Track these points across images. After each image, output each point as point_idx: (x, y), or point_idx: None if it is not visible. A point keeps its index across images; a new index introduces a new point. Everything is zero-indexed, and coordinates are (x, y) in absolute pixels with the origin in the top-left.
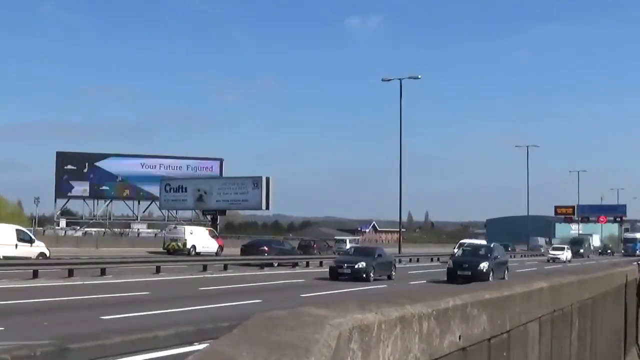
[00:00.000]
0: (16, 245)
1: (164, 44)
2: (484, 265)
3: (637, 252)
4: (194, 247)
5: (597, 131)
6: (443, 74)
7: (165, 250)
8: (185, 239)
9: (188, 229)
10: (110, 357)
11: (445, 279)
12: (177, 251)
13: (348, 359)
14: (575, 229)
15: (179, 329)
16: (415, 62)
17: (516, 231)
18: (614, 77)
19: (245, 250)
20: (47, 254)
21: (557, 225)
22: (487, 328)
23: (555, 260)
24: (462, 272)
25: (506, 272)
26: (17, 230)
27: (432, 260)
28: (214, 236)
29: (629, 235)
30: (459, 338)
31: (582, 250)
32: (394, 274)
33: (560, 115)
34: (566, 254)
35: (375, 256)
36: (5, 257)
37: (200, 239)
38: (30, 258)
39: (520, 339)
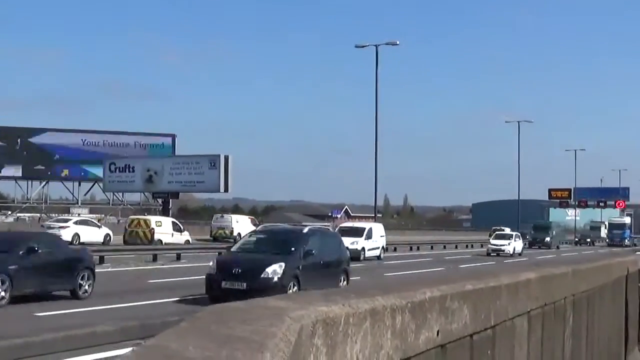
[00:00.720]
0: (172, 234)
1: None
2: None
3: (626, 241)
4: (239, 234)
5: (598, 107)
6: (426, 41)
7: (212, 238)
8: (232, 227)
9: (234, 217)
10: (38, 356)
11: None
12: (225, 239)
13: (311, 356)
14: (571, 215)
15: (121, 324)
16: (394, 28)
17: (505, 217)
18: (614, 46)
19: None
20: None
21: (552, 210)
22: (469, 323)
23: (498, 253)
24: None
25: None
26: (172, 222)
27: (411, 249)
28: (255, 224)
29: (615, 220)
30: (437, 334)
31: (548, 239)
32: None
33: (558, 89)
34: (514, 245)
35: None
36: (166, 244)
37: (244, 227)
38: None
39: (507, 335)
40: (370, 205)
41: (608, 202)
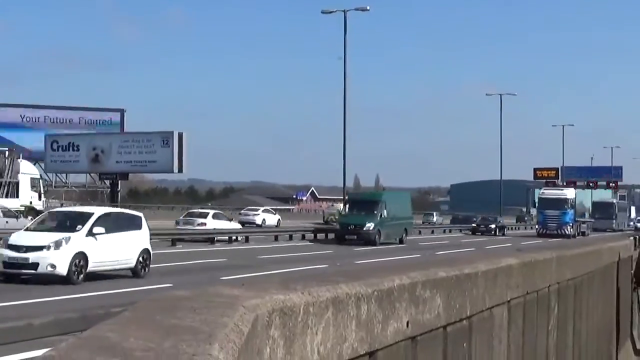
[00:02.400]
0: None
1: None
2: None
3: (568, 227)
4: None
5: (588, 79)
6: (399, 6)
7: (324, 222)
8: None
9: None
10: None
11: None
12: (333, 222)
13: (267, 348)
14: None
15: (59, 316)
16: None
17: (486, 199)
18: (607, 14)
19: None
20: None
21: (537, 191)
22: (443, 313)
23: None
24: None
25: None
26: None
27: None
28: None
29: (548, 194)
30: (407, 325)
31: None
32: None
33: (544, 60)
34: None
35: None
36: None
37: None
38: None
39: (484, 326)
40: (339, 186)
41: (599, 183)
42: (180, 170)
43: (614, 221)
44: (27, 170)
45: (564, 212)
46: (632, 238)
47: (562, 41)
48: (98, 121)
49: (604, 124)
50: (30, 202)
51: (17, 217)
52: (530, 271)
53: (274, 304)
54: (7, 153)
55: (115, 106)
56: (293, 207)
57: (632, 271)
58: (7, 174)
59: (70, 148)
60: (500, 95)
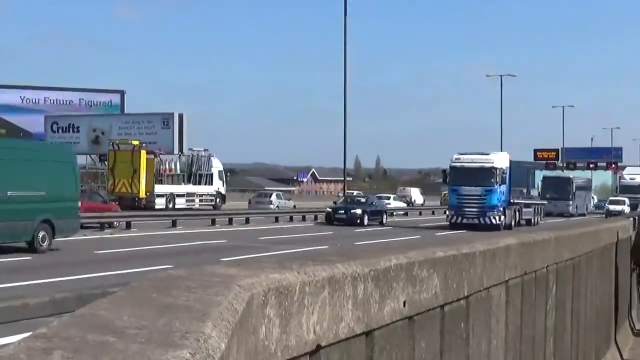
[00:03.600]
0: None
1: None
2: None
3: (495, 215)
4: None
5: (588, 60)
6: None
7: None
8: (412, 196)
9: (414, 190)
10: None
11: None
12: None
13: (263, 327)
14: None
15: (54, 295)
16: None
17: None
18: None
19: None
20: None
21: (538, 173)
22: (440, 293)
23: None
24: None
25: None
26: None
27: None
28: (422, 193)
29: (464, 160)
30: (404, 304)
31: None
32: None
33: (544, 41)
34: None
35: None
36: None
37: (417, 196)
38: None
39: (482, 306)
40: (340, 168)
41: (599, 164)
42: (180, 151)
43: (571, 203)
44: (217, 165)
45: (489, 190)
46: (631, 219)
47: (563, 22)
48: (98, 102)
49: (605, 105)
50: (218, 189)
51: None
52: (529, 251)
53: (269, 283)
54: (202, 152)
55: (116, 87)
56: (294, 188)
57: (631, 251)
58: (206, 168)
59: (70, 129)
60: (501, 76)
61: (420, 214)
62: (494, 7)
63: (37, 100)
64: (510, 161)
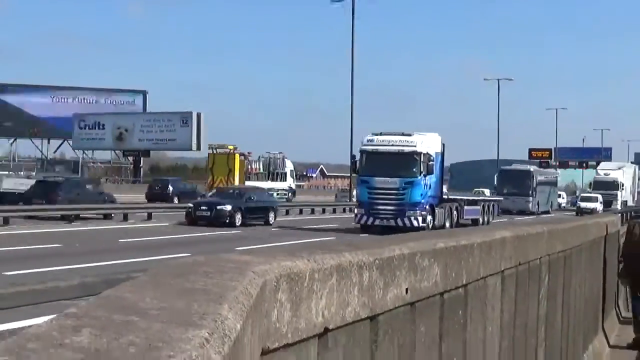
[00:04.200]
0: None
1: None
2: None
3: (417, 216)
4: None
5: (581, 65)
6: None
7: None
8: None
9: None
10: (12, 307)
11: None
12: None
13: (275, 311)
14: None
15: (83, 279)
16: None
17: (485, 177)
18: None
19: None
20: None
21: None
22: (440, 281)
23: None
24: None
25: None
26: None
27: None
28: None
29: (379, 142)
30: (406, 291)
31: None
32: None
33: (540, 45)
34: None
35: None
36: None
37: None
38: None
39: (479, 294)
40: (347, 164)
41: (590, 163)
42: (198, 148)
43: (531, 199)
44: (289, 165)
45: (410, 181)
46: (619, 214)
47: (555, 29)
48: (122, 102)
49: (597, 107)
50: (290, 185)
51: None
52: (523, 243)
53: (281, 270)
54: (277, 154)
55: (138, 87)
56: (303, 183)
57: (619, 244)
58: (281, 167)
59: (96, 127)
60: (498, 80)
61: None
62: (492, 8)
63: (65, 99)
64: (444, 145)
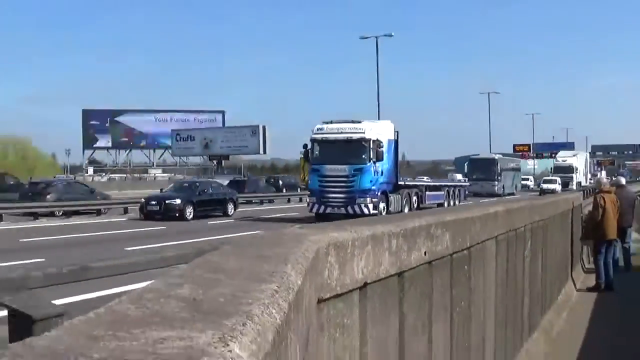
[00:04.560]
0: None
1: None
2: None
3: (368, 203)
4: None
5: (556, 75)
6: (418, 33)
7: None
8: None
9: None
10: (125, 273)
11: None
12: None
13: (326, 270)
14: (531, 164)
15: (181, 251)
16: (389, 21)
17: None
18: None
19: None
20: None
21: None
22: (450, 245)
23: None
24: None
25: None
26: None
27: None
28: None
29: (329, 130)
30: (425, 254)
31: None
32: None
33: (523, 62)
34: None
35: None
36: None
37: None
38: None
39: (479, 254)
40: None
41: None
42: (264, 152)
43: (497, 183)
44: None
45: (359, 168)
46: (581, 192)
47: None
48: (207, 119)
49: (563, 110)
50: None
51: None
52: (511, 215)
53: (330, 239)
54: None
55: (218, 109)
56: None
57: (582, 215)
58: None
59: (189, 139)
60: (489, 93)
61: None
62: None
63: (165, 120)
64: (397, 133)
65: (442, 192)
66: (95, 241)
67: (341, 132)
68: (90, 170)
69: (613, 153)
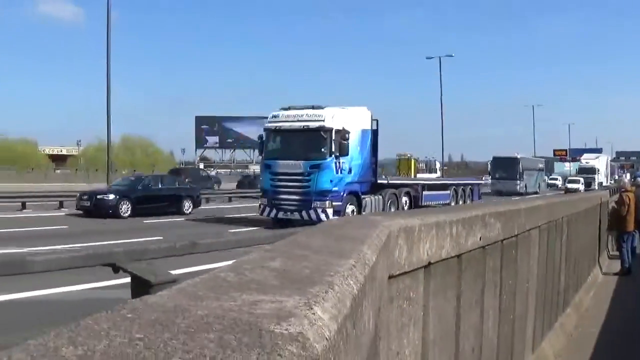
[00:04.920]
0: None
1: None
2: None
3: (326, 207)
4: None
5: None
6: (472, 53)
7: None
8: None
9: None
10: (229, 249)
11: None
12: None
13: (397, 250)
14: (567, 166)
15: (273, 232)
16: (450, 43)
17: None
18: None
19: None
20: None
21: (555, 163)
22: (501, 232)
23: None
24: None
25: None
26: None
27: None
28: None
29: (283, 118)
30: (480, 239)
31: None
32: None
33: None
34: None
35: None
36: None
37: None
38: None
39: (525, 241)
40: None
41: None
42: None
43: (519, 182)
44: (437, 164)
45: (316, 164)
46: (608, 190)
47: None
48: None
49: (594, 119)
50: (437, 176)
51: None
52: (552, 208)
53: (400, 225)
54: (409, 155)
55: None
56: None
57: (608, 210)
58: (434, 165)
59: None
60: (533, 106)
61: None
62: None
63: (259, 123)
64: (377, 122)
65: (448, 192)
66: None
67: (298, 120)
68: (201, 166)
69: (633, 158)
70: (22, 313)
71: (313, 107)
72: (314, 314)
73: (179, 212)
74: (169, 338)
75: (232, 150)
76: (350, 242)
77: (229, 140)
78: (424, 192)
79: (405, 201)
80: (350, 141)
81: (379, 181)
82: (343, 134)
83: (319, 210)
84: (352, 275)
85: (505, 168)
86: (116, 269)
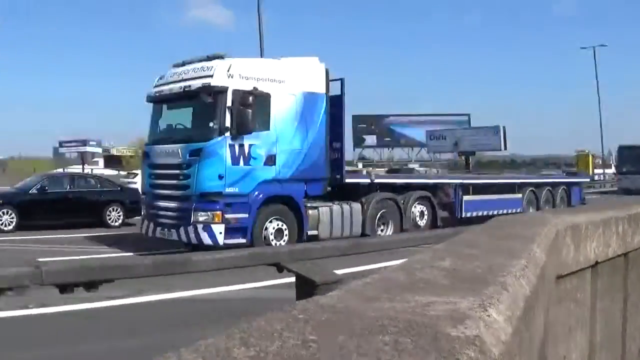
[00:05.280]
0: None
1: None
2: None
3: (202, 222)
4: None
5: None
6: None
7: None
8: None
9: None
10: (394, 249)
11: None
12: None
13: (564, 248)
14: None
15: (435, 232)
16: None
17: None
18: None
19: None
20: None
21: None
22: None
23: None
24: None
25: None
26: None
27: None
28: None
29: (174, 73)
30: None
31: None
32: None
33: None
34: None
35: None
36: None
37: None
38: None
39: None
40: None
41: None
42: (505, 149)
43: None
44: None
45: (197, 150)
46: None
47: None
48: (455, 121)
49: None
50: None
51: None
52: None
53: (567, 223)
54: (587, 151)
55: (464, 112)
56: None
57: None
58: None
59: (440, 138)
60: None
61: None
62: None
63: (420, 122)
64: (342, 81)
65: (517, 196)
66: None
67: (182, 80)
68: (360, 165)
69: None
70: (186, 312)
71: (208, 58)
72: (489, 315)
73: (102, 223)
74: (342, 340)
75: (390, 149)
76: (519, 241)
77: (387, 139)
78: (465, 198)
79: (422, 212)
80: (275, 110)
81: (350, 180)
82: (248, 96)
83: (200, 227)
84: (524, 275)
85: (636, 160)
86: (280, 269)
